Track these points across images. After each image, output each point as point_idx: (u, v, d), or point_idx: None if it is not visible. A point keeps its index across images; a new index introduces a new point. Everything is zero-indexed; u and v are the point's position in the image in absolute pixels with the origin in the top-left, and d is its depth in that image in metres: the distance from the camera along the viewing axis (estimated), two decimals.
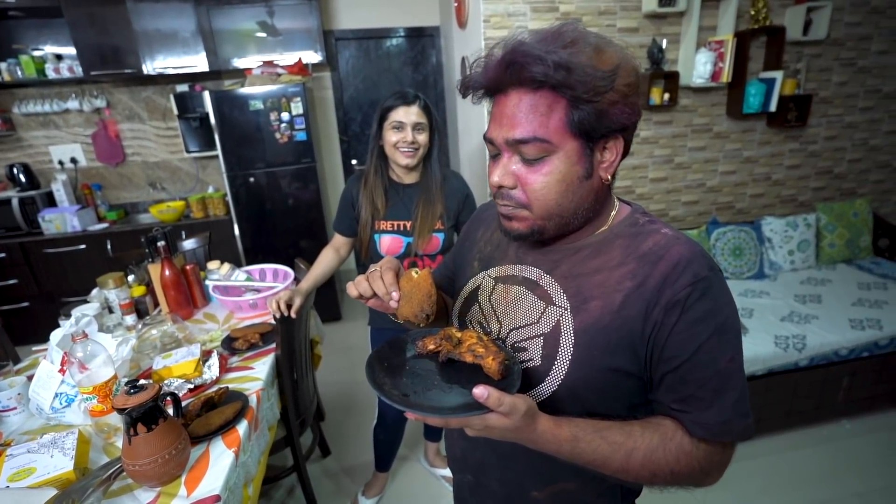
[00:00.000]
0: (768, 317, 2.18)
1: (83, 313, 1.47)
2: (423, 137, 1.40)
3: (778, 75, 2.43)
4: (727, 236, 2.57)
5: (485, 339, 0.61)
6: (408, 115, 1.37)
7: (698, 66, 2.36)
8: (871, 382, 2.09)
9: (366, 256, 1.52)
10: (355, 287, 0.64)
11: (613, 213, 0.64)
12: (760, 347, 1.95)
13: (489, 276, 0.72)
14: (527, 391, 0.62)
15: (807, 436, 2.07)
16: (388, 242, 1.45)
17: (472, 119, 2.72)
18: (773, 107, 2.48)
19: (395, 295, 0.62)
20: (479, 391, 0.49)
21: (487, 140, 0.62)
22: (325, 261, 1.55)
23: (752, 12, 2.40)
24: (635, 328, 0.57)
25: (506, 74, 0.55)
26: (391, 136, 1.38)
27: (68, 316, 1.53)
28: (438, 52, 3.55)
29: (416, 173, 1.48)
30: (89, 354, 1.08)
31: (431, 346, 0.62)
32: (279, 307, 1.41)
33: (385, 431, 1.73)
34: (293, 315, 1.43)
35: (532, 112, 0.55)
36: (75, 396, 1.16)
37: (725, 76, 2.34)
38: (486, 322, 0.70)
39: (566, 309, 0.61)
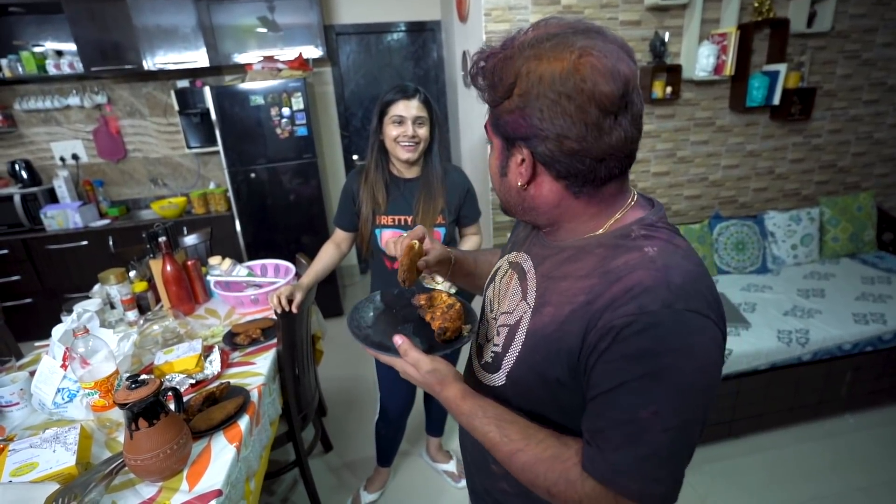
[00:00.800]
0: (771, 311, 2.17)
1: (85, 309, 1.47)
2: (423, 131, 1.39)
3: (781, 68, 2.41)
4: (730, 230, 2.56)
5: (456, 306, 0.73)
6: (408, 108, 1.36)
7: (701, 59, 2.34)
8: (874, 377, 2.08)
9: (366, 251, 1.52)
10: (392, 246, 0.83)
11: (612, 219, 0.59)
12: (763, 342, 1.94)
13: (507, 260, 0.76)
14: (492, 373, 0.68)
15: (810, 430, 2.07)
16: (388, 237, 1.44)
17: (473, 113, 2.71)
18: (776, 100, 2.46)
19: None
20: (396, 339, 0.64)
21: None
22: (326, 256, 1.55)
23: (756, 4, 2.37)
24: (573, 345, 0.54)
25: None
26: (391, 131, 1.37)
27: (70, 311, 1.54)
28: (439, 46, 3.53)
29: (416, 168, 1.47)
30: (91, 350, 1.08)
31: (423, 301, 0.78)
32: (280, 302, 1.41)
33: (387, 426, 1.73)
34: (294, 310, 1.42)
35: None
36: (77, 392, 1.16)
37: (728, 69, 2.32)
38: (492, 301, 0.74)
39: (530, 307, 0.62)
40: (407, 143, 1.38)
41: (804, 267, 2.62)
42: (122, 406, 0.88)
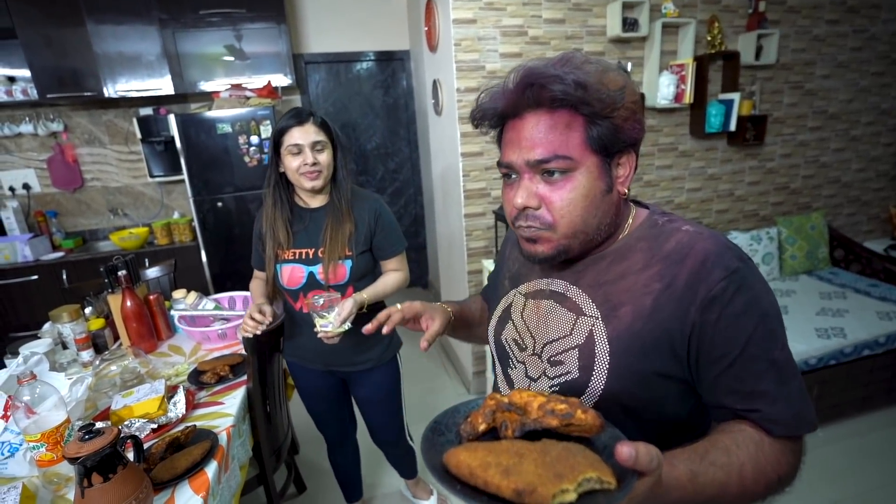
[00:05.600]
0: None
1: (32, 351, 1.35)
2: (324, 157, 1.28)
3: (735, 97, 2.56)
4: None
5: (544, 393, 0.51)
6: (304, 135, 1.25)
7: (662, 88, 2.46)
8: (838, 390, 2.16)
9: (270, 291, 1.41)
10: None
11: (631, 219, 0.64)
12: None
13: (519, 293, 0.72)
14: None
15: None
16: (288, 273, 1.35)
17: (444, 140, 2.74)
18: (732, 126, 2.61)
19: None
20: (627, 452, 0.39)
21: (504, 164, 0.62)
22: (260, 290, 1.47)
23: (709, 38, 2.53)
24: (672, 329, 0.55)
25: (524, 97, 0.57)
26: (291, 162, 1.27)
27: (15, 354, 1.41)
28: (409, 75, 3.59)
29: (323, 196, 1.36)
30: (38, 397, 0.99)
31: (483, 426, 0.50)
32: (253, 320, 1.32)
33: (340, 454, 1.67)
34: (267, 320, 1.33)
35: (552, 131, 0.56)
36: (20, 445, 1.05)
37: (688, 97, 2.44)
38: (520, 338, 0.69)
39: (597, 318, 0.60)
40: (309, 171, 1.27)
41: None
42: (72, 461, 0.80)
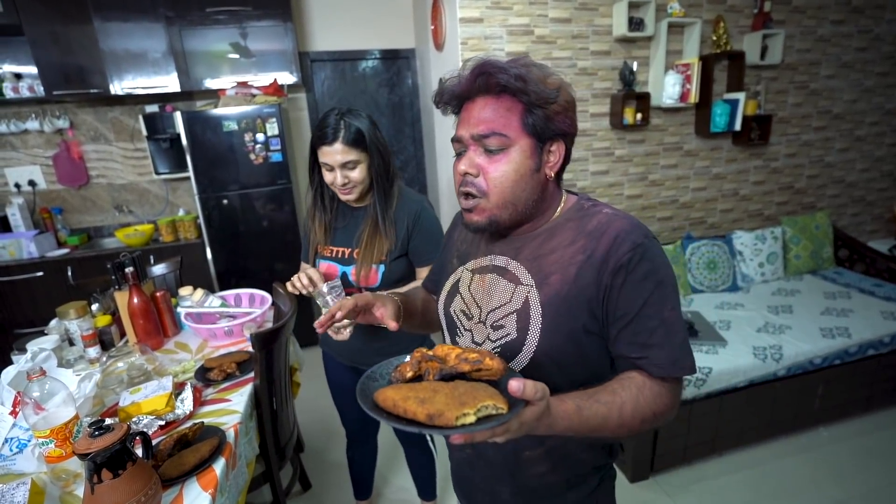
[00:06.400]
0: (745, 328, 2.23)
1: (41, 347, 1.36)
2: (356, 174, 1.23)
3: (741, 96, 2.55)
4: (701, 250, 2.64)
5: (462, 347, 0.63)
6: (332, 155, 1.19)
7: (667, 88, 2.45)
8: (843, 390, 2.16)
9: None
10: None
11: (562, 203, 0.76)
12: (741, 359, 1.98)
13: (466, 269, 0.82)
14: (509, 362, 0.69)
15: (788, 445, 2.10)
16: (324, 268, 1.34)
17: (449, 138, 2.74)
18: (737, 126, 2.60)
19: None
20: (516, 384, 0.49)
21: (455, 140, 0.72)
22: None
23: (714, 38, 2.52)
24: (590, 293, 0.67)
25: (475, 83, 0.68)
26: (325, 175, 1.25)
27: (23, 350, 1.42)
28: (414, 73, 3.59)
29: (367, 196, 1.33)
30: (47, 393, 0.99)
31: (411, 373, 0.60)
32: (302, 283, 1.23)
33: (358, 450, 1.66)
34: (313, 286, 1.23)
35: (494, 113, 0.67)
36: (29, 441, 1.05)
37: (693, 97, 2.44)
38: (467, 309, 0.79)
39: (532, 286, 0.71)
40: (340, 188, 1.25)
41: (771, 284, 2.72)
42: (82, 457, 0.80)
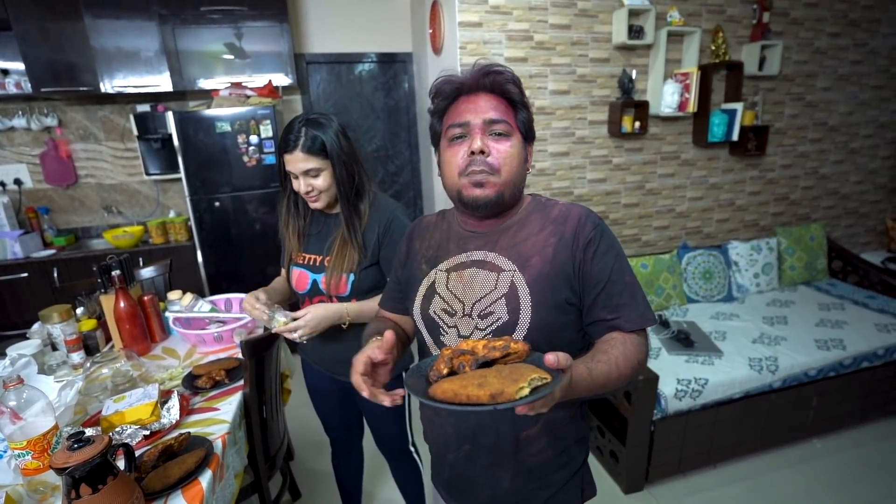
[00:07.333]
0: (741, 339, 2.22)
1: (20, 353, 1.31)
2: (320, 181, 1.19)
3: (738, 107, 2.56)
4: (697, 260, 2.63)
5: (480, 340, 0.68)
6: (294, 163, 1.17)
7: (666, 97, 2.45)
8: (837, 401, 2.15)
9: (290, 292, 1.39)
10: None
11: (522, 200, 0.87)
12: (737, 371, 1.97)
13: (440, 271, 0.86)
14: None
15: (783, 457, 2.09)
16: (296, 276, 1.32)
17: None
18: (735, 136, 2.61)
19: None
20: (552, 357, 0.56)
21: (460, 124, 0.78)
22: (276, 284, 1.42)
23: (713, 47, 2.53)
24: (568, 269, 0.78)
25: (484, 79, 0.78)
26: (293, 182, 1.22)
27: (2, 355, 1.37)
28: (411, 77, 3.57)
29: (337, 203, 1.28)
30: (25, 402, 0.95)
31: (446, 370, 0.65)
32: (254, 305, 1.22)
33: (343, 458, 1.62)
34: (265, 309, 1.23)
35: (499, 106, 0.79)
36: (4, 452, 1.01)
37: (692, 106, 2.44)
38: (449, 307, 0.83)
39: (515, 270, 0.79)
40: (305, 195, 1.22)
41: (766, 295, 2.72)
42: (60, 472, 0.76)
